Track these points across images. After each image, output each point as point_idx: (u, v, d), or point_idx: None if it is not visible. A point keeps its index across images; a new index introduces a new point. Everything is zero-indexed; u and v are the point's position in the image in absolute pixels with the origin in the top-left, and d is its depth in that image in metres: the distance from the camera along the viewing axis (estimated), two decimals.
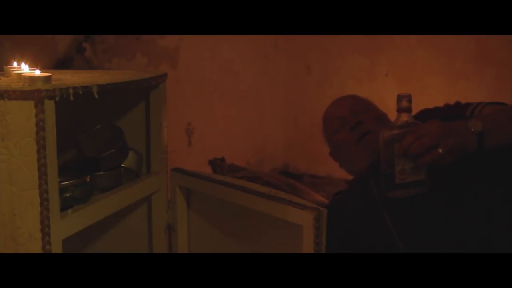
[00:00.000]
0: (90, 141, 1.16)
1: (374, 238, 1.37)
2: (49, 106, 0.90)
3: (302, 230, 1.05)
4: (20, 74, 0.98)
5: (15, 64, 1.14)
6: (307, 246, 1.04)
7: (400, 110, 1.28)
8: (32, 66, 1.11)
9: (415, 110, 1.57)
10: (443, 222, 1.31)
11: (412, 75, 2.78)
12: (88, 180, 1.07)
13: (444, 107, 1.59)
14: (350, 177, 1.67)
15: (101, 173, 1.13)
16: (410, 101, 1.28)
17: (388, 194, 1.28)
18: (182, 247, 1.32)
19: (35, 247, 0.91)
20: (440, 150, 1.21)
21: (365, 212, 1.39)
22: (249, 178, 1.92)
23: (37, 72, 0.97)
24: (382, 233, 1.35)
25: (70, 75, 1.13)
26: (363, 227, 1.39)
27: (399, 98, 1.29)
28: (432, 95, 2.62)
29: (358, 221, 1.40)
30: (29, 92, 0.88)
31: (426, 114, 1.54)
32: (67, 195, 1.01)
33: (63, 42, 2.13)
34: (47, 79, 0.92)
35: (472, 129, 1.24)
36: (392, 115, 1.46)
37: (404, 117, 1.28)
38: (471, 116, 1.45)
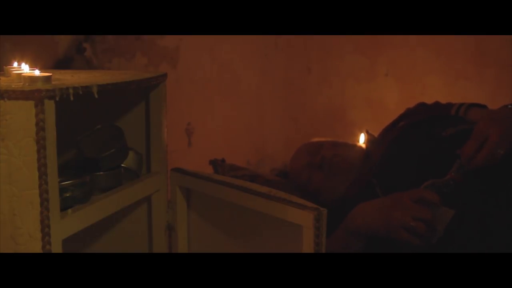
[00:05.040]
0: (90, 141, 1.15)
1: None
2: (49, 106, 0.90)
3: (302, 230, 1.05)
4: (20, 74, 0.98)
5: (15, 64, 1.14)
6: (307, 246, 1.04)
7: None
8: (32, 66, 1.11)
9: None
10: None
11: (412, 75, 2.77)
12: (88, 180, 1.07)
13: (434, 105, 1.61)
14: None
15: (101, 173, 1.13)
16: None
17: None
18: (182, 247, 1.32)
19: (35, 247, 0.91)
20: (500, 152, 1.14)
21: None
22: (250, 177, 1.93)
23: (37, 72, 0.97)
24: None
25: (70, 75, 1.13)
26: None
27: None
28: (432, 95, 2.62)
29: None
30: (29, 92, 0.88)
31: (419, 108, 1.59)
32: (67, 195, 1.01)
33: (63, 42, 2.13)
34: (47, 79, 0.92)
35: None
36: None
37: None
38: (456, 115, 1.48)
